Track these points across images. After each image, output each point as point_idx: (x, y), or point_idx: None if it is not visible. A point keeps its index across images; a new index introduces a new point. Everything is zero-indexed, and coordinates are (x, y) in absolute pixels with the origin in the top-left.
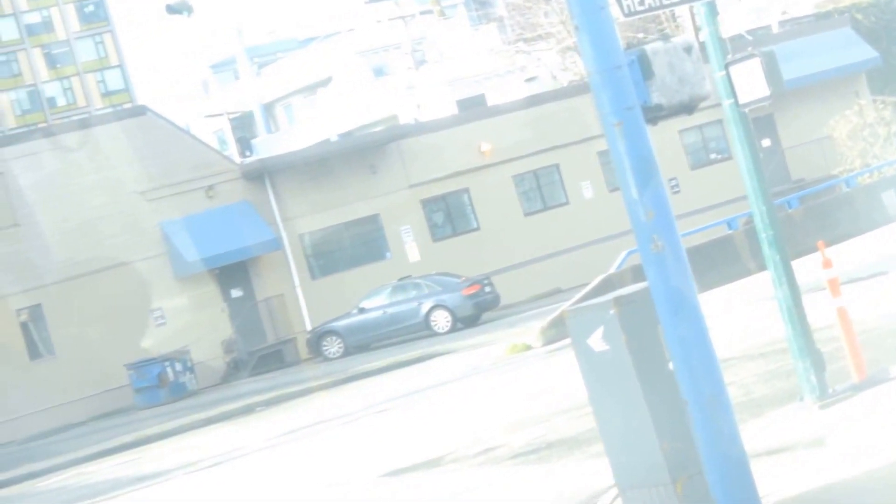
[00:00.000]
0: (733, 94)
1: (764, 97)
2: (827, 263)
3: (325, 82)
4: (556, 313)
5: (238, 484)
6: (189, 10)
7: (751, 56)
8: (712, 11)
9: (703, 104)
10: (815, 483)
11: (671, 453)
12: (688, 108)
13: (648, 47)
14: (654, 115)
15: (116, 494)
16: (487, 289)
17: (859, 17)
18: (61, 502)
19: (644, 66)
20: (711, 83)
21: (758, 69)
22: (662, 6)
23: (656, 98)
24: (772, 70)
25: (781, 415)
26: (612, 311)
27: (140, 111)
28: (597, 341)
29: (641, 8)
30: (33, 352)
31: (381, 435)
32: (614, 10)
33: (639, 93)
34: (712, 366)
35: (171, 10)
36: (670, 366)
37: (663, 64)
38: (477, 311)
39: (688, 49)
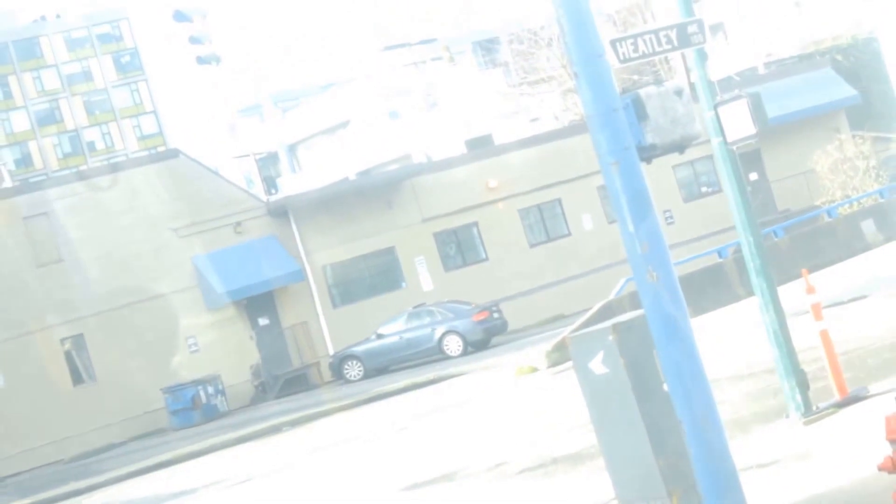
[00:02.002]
0: (722, 132)
1: (750, 135)
2: (810, 290)
3: (344, 124)
4: (560, 338)
5: (266, 499)
6: (217, 60)
7: (738, 97)
8: (702, 57)
9: (694, 142)
10: (802, 495)
11: (667, 468)
12: (679, 146)
13: (642, 91)
14: (649, 154)
15: None
16: (496, 315)
17: (839, 58)
18: None
19: (638, 109)
20: (702, 123)
21: (744, 109)
22: (654, 53)
23: (650, 138)
24: (757, 110)
25: (769, 431)
26: (611, 337)
27: (173, 154)
28: (597, 365)
29: (635, 55)
30: (76, 378)
31: (401, 452)
32: (610, 58)
33: (634, 133)
34: (704, 387)
35: (202, 60)
36: (665, 387)
37: (656, 106)
38: (486, 335)
39: (679, 92)
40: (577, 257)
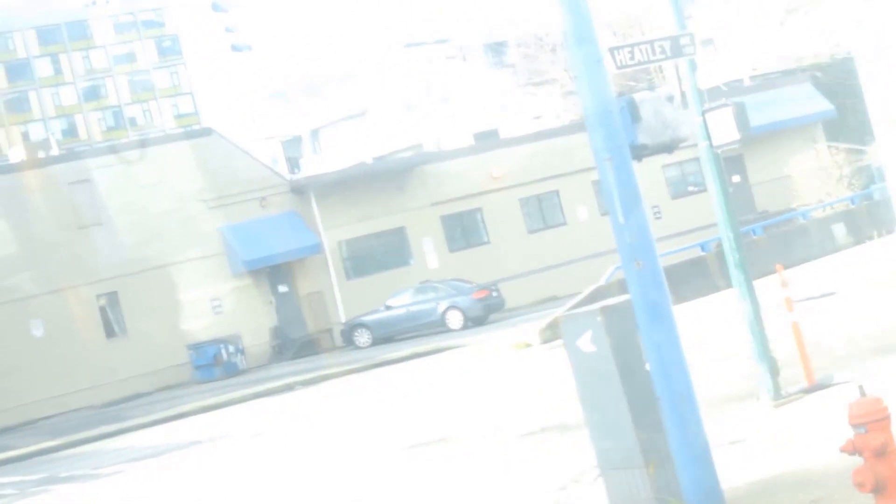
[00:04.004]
0: (708, 137)
1: (734, 140)
2: (784, 284)
3: (363, 113)
4: (552, 318)
5: (288, 450)
6: (249, 48)
7: (724, 105)
8: (692, 67)
9: (683, 144)
10: (770, 471)
11: (645, 441)
12: (668, 147)
13: (636, 95)
14: (640, 153)
15: (177, 454)
16: (494, 294)
17: (818, 74)
18: (130, 459)
19: (633, 111)
20: (692, 127)
21: (729, 117)
22: (649, 62)
23: (642, 138)
24: (741, 118)
25: (741, 411)
26: (599, 318)
27: (206, 132)
28: (585, 343)
29: (631, 62)
30: (109, 331)
31: (404, 415)
32: (608, 63)
33: (627, 133)
34: (682, 368)
35: (236, 48)
36: (647, 367)
37: (649, 110)
38: (485, 312)
39: (670, 98)
40: (571, 245)
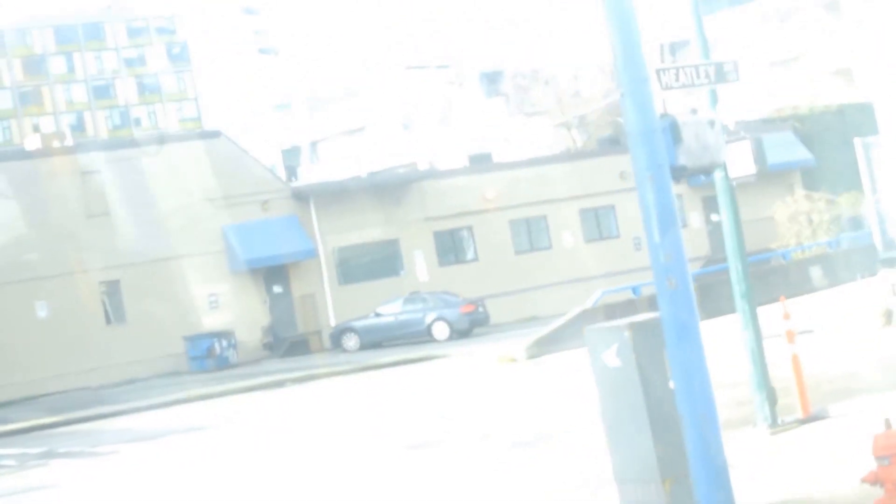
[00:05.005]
0: (724, 168)
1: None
2: (786, 316)
3: (362, 129)
4: (539, 336)
5: (285, 442)
6: (276, 52)
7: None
8: (714, 99)
9: (718, 167)
10: (774, 497)
11: (663, 457)
12: (707, 170)
13: (679, 117)
14: (679, 174)
15: (171, 437)
16: (480, 309)
17: (798, 124)
18: (127, 440)
19: (675, 133)
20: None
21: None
22: (693, 85)
23: (682, 160)
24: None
25: (738, 436)
26: (626, 334)
27: (216, 134)
28: (610, 357)
29: (676, 84)
30: (110, 317)
31: (395, 418)
32: (653, 84)
33: (668, 154)
34: (707, 388)
35: (263, 51)
36: (671, 384)
37: (691, 132)
38: (470, 326)
39: (711, 123)
40: (555, 268)
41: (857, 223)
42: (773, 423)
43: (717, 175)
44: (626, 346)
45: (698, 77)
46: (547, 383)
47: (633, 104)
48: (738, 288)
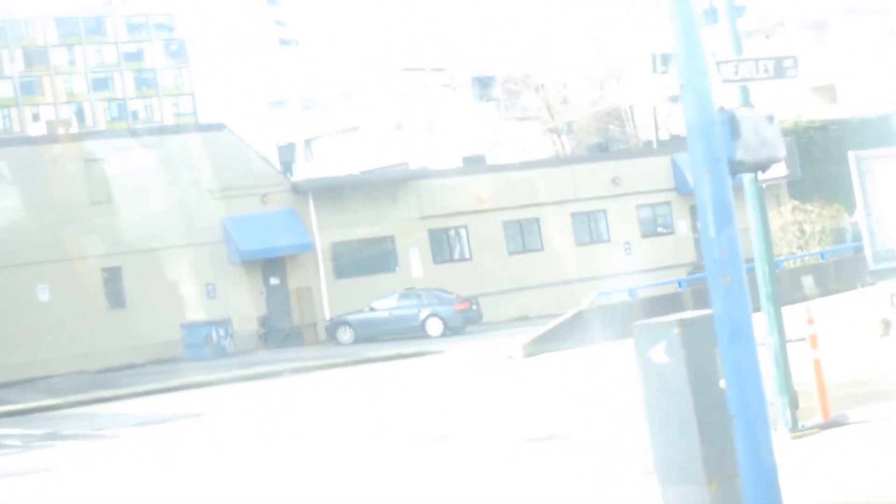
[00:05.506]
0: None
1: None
2: (810, 320)
3: (356, 128)
4: (536, 334)
5: (299, 433)
6: (297, 42)
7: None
8: (745, 98)
9: (658, 189)
10: (810, 501)
11: (709, 458)
12: (764, 166)
13: (738, 111)
14: (737, 169)
15: (176, 423)
16: (474, 307)
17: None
18: (131, 424)
19: (734, 127)
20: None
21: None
22: (752, 79)
23: (740, 155)
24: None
25: None
26: (675, 331)
27: (219, 127)
28: (658, 355)
29: (735, 77)
30: (110, 303)
31: (400, 411)
32: (712, 77)
33: (726, 148)
34: (759, 388)
35: (283, 42)
36: (722, 384)
37: (749, 127)
38: (464, 323)
39: (770, 118)
40: (546, 270)
41: (839, 236)
42: (794, 427)
43: (746, 177)
44: (675, 344)
45: (757, 71)
46: (546, 381)
47: (692, 96)
48: (764, 290)
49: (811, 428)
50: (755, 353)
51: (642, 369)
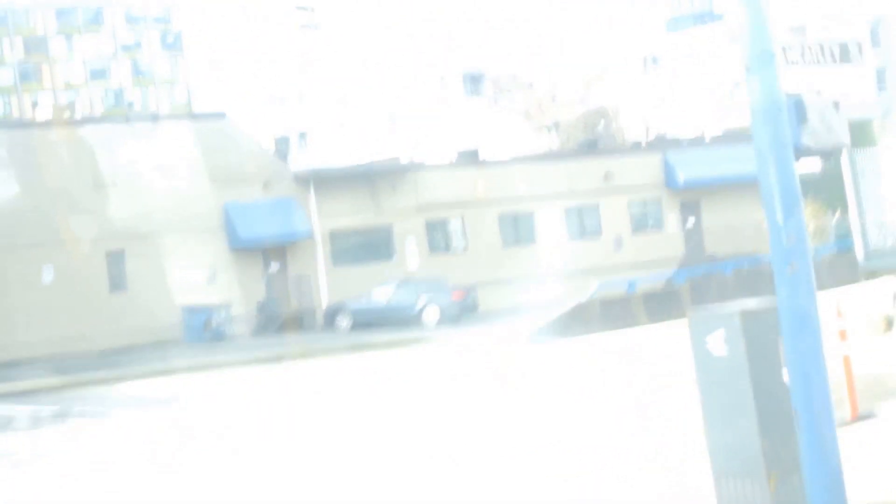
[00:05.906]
0: None
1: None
2: (839, 314)
3: (350, 122)
4: (539, 324)
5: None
6: (318, 27)
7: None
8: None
9: (647, 186)
10: (870, 497)
11: (769, 452)
12: (829, 152)
13: (805, 97)
14: (803, 154)
15: (182, 404)
16: (471, 296)
17: None
18: (138, 404)
19: (800, 112)
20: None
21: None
22: (818, 63)
23: (806, 140)
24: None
25: None
26: (736, 321)
27: (221, 116)
28: (717, 345)
29: (801, 61)
30: (113, 285)
31: (414, 395)
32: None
33: (793, 133)
34: (824, 381)
35: (305, 26)
36: (785, 376)
37: (816, 113)
38: (460, 312)
39: (836, 105)
40: (540, 263)
41: (822, 233)
42: None
43: None
44: (735, 334)
45: (823, 56)
46: (554, 369)
47: (759, 80)
48: None
49: (839, 425)
50: (821, 345)
51: (698, 359)
